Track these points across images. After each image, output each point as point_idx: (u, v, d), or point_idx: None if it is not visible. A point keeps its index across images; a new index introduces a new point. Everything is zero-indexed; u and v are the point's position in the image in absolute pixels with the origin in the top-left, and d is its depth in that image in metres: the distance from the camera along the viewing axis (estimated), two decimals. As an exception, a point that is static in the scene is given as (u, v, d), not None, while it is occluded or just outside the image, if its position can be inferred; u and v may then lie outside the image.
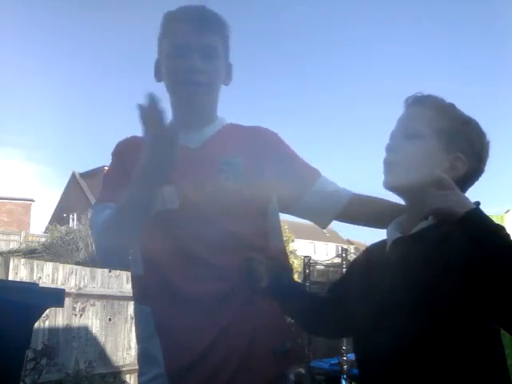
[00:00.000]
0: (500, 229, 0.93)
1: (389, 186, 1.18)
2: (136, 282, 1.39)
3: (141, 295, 1.37)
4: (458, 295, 0.99)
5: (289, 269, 1.46)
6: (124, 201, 1.25)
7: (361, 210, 1.44)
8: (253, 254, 1.31)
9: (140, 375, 1.37)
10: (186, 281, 1.28)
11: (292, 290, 1.36)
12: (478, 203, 1.02)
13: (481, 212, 0.95)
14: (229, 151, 1.37)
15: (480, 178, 1.21)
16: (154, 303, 1.32)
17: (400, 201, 1.23)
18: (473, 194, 1.20)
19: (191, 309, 1.27)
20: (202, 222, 1.29)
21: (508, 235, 0.92)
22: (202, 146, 1.38)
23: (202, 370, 1.25)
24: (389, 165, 1.18)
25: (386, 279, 1.11)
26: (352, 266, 1.36)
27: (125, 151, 1.43)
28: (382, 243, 1.22)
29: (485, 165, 1.20)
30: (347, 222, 1.53)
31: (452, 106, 1.21)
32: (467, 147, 1.16)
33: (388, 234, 1.20)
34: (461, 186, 1.15)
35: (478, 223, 0.93)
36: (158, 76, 1.44)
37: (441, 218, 0.97)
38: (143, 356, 1.37)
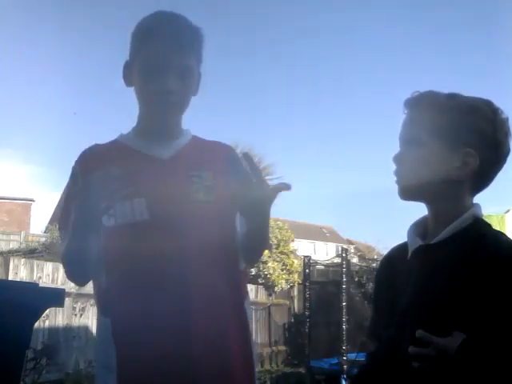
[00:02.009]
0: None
1: (402, 198, 1.17)
2: (99, 293, 1.37)
3: (103, 307, 1.35)
4: (475, 315, 0.98)
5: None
6: (70, 248, 1.30)
7: None
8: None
9: None
10: (150, 294, 1.26)
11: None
12: None
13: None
14: (198, 164, 1.39)
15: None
16: (115, 315, 1.30)
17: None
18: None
19: (151, 322, 1.25)
20: (172, 235, 1.28)
21: None
22: (172, 158, 1.39)
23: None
24: (397, 177, 1.16)
25: (408, 289, 1.09)
26: (377, 278, 1.31)
27: (91, 164, 1.36)
28: (403, 249, 1.18)
29: (507, 145, 1.12)
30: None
31: (449, 97, 1.13)
32: (475, 137, 1.09)
33: (409, 238, 1.16)
34: (480, 178, 1.12)
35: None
36: (128, 81, 1.43)
37: None
38: (100, 368, 1.35)
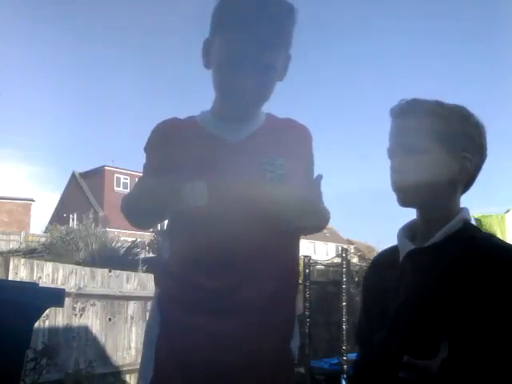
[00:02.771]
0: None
1: (403, 205, 1.16)
2: (159, 265, 1.41)
3: (156, 278, 1.41)
4: (469, 318, 0.98)
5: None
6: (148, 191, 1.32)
7: None
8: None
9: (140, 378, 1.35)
10: (198, 275, 1.28)
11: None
12: None
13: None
14: (270, 150, 1.32)
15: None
16: (165, 287, 1.35)
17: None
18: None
19: (198, 300, 1.28)
20: (230, 222, 1.24)
21: None
22: (241, 142, 1.34)
23: (193, 355, 1.27)
24: (397, 185, 1.15)
25: (400, 292, 1.09)
26: (367, 282, 1.30)
27: (171, 134, 1.38)
28: (393, 253, 1.17)
29: (486, 150, 1.16)
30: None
31: (440, 105, 1.15)
32: (468, 142, 1.12)
33: (399, 242, 1.17)
34: (471, 181, 1.15)
35: None
36: (208, 62, 1.34)
37: None
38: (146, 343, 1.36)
